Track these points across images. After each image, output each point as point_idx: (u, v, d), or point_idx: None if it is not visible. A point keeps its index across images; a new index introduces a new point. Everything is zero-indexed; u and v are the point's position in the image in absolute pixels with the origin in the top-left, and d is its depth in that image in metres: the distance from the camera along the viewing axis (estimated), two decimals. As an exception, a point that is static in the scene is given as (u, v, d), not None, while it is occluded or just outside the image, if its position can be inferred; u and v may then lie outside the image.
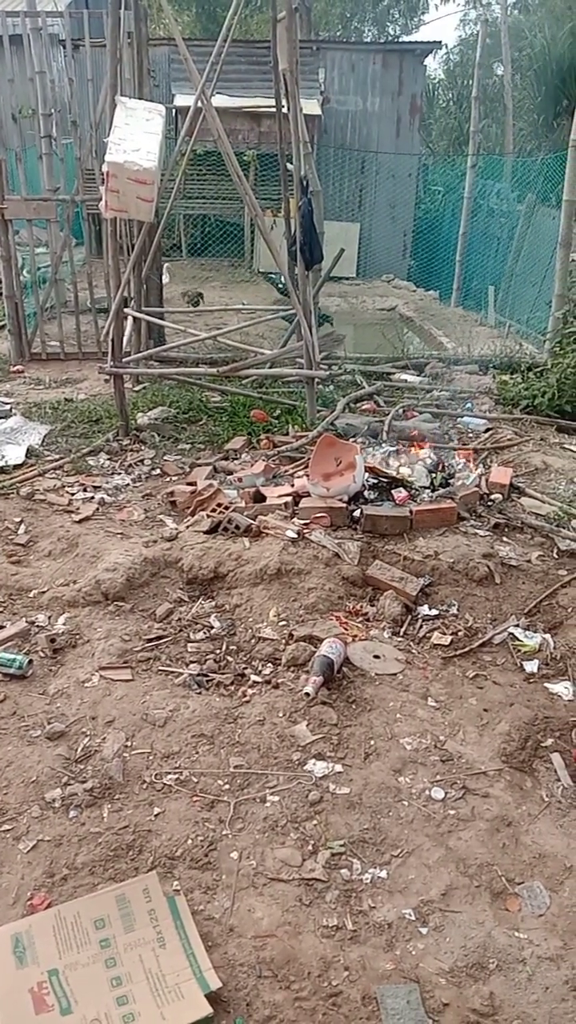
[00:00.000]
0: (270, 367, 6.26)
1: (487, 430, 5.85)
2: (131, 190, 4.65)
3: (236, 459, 5.26)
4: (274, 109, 6.15)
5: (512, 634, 3.58)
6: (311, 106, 13.02)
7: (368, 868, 2.38)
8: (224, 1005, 1.98)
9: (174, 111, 12.91)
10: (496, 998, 2.04)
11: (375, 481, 4.51)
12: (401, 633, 3.58)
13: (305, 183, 5.76)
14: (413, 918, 2.23)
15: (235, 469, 5.00)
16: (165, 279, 9.69)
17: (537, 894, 2.35)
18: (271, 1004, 2.00)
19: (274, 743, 2.83)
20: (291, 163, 5.84)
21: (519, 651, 3.48)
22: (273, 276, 10.56)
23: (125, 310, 5.89)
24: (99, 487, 4.81)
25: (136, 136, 4.74)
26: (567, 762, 2.82)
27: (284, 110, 5.85)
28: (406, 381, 7.06)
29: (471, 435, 5.79)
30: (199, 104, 5.40)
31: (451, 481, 4.65)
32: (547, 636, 3.56)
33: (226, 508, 4.24)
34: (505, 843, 2.50)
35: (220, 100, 8.97)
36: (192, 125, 5.84)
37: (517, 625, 3.64)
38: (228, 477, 4.87)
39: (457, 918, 2.24)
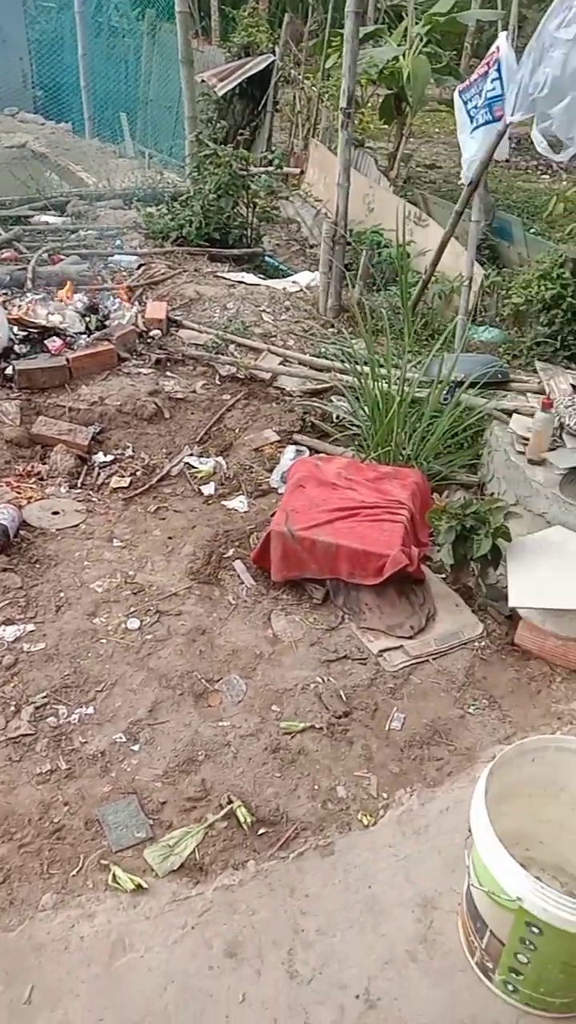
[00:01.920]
0: None
1: (140, 266, 5.67)
2: None
3: None
4: None
5: (188, 463, 3.69)
6: None
7: (75, 709, 2.42)
8: (-55, 877, 1.95)
9: None
10: (208, 782, 2.24)
11: (24, 333, 4.20)
12: (79, 485, 3.52)
13: None
14: (124, 740, 2.34)
15: None
16: None
17: (235, 685, 2.57)
18: (-5, 860, 2.01)
19: (-43, 621, 2.69)
20: None
21: (196, 478, 3.60)
22: None
23: None
24: None
25: None
26: (247, 565, 3.04)
27: None
28: (48, 223, 6.52)
29: (124, 273, 5.58)
30: None
31: (107, 323, 4.48)
32: (219, 459, 3.72)
33: None
34: (202, 650, 2.67)
35: None
36: None
37: (192, 454, 3.75)
38: None
39: (165, 727, 2.39)
